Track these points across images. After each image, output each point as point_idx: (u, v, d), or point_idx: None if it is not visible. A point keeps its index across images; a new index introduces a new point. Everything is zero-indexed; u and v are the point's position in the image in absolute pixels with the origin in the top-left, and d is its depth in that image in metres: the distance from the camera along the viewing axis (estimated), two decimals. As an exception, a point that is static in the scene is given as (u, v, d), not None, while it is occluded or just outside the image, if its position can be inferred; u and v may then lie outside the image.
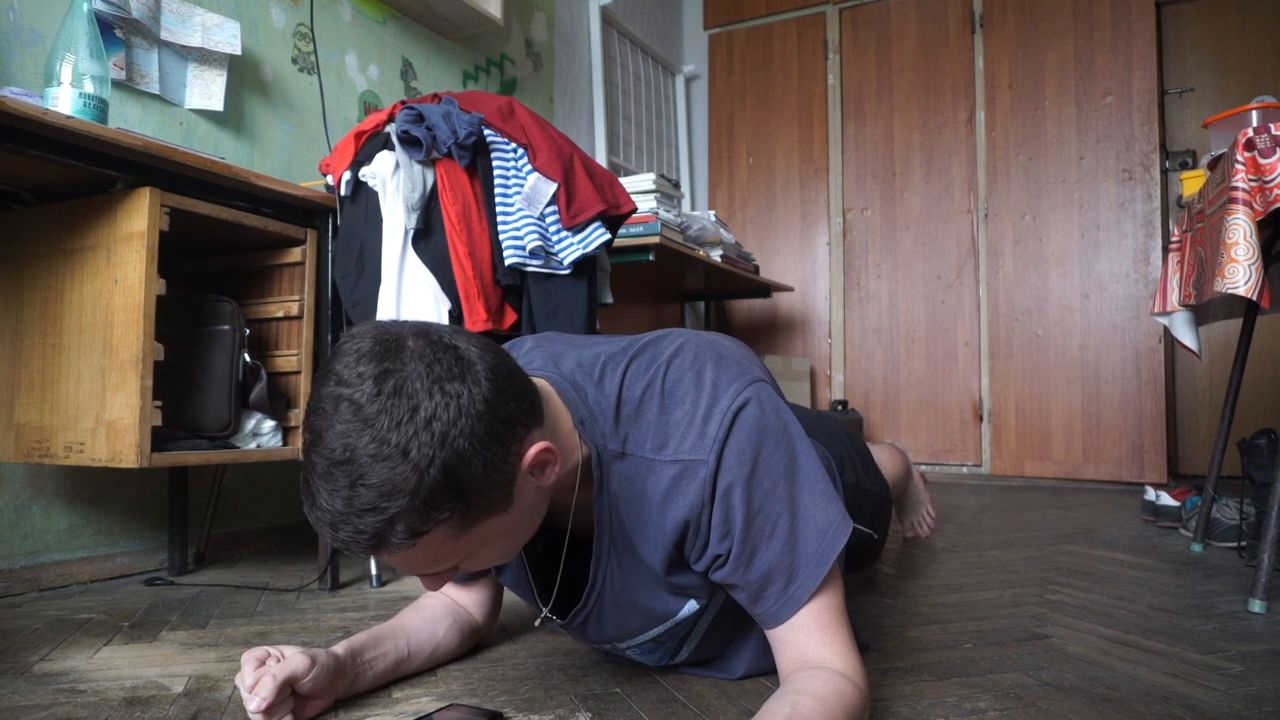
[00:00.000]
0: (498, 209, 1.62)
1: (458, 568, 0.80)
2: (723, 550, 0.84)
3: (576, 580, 0.99)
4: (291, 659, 0.88)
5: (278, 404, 1.61)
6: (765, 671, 1.06)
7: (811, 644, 0.85)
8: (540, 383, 0.86)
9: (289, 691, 0.88)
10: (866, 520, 1.40)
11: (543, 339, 0.99)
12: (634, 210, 1.83)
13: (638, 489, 0.86)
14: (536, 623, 1.03)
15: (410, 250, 1.58)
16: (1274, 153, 1.44)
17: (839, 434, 1.44)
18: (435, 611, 1.11)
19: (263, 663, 0.88)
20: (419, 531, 0.69)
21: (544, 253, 1.63)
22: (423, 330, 0.73)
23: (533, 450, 0.75)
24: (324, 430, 0.68)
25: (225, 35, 1.91)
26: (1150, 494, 2.40)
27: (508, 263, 1.60)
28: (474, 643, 1.17)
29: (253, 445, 1.55)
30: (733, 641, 1.04)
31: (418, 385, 0.68)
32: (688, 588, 0.91)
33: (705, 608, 0.95)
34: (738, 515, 0.82)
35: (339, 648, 0.96)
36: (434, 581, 0.80)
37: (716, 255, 2.86)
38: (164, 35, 1.81)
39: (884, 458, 1.88)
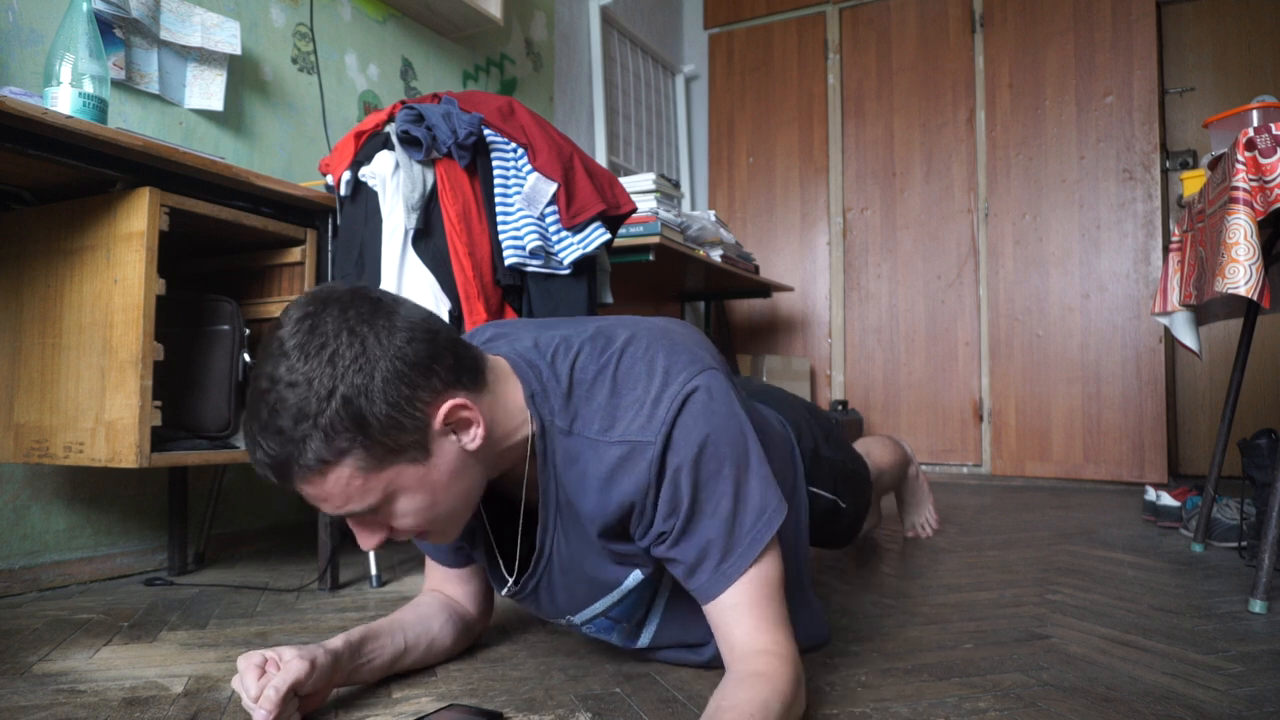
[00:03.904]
0: (498, 209, 1.62)
1: (390, 527, 0.85)
2: (667, 528, 0.88)
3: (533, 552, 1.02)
4: (291, 665, 0.88)
5: (277, 404, 1.61)
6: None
7: (744, 624, 0.88)
8: (496, 360, 0.91)
9: (292, 694, 0.88)
10: (829, 486, 1.40)
11: (504, 324, 1.04)
12: (634, 210, 1.83)
13: (579, 467, 0.89)
14: (502, 592, 1.06)
15: (410, 250, 1.58)
16: (1274, 152, 1.44)
17: (796, 404, 1.45)
18: (430, 607, 1.12)
19: (262, 669, 0.88)
20: (324, 459, 0.76)
21: (544, 253, 1.63)
22: (358, 289, 0.81)
23: (447, 404, 0.80)
24: (257, 365, 0.78)
25: (225, 35, 1.91)
26: (1151, 494, 2.39)
27: (508, 263, 1.60)
28: (470, 638, 1.17)
29: (252, 445, 1.55)
30: (700, 624, 1.05)
31: (329, 327, 0.76)
32: (629, 555, 0.94)
33: (651, 580, 0.98)
34: (684, 494, 0.86)
35: (337, 642, 0.96)
36: (365, 535, 0.85)
37: (716, 255, 2.86)
38: (164, 35, 1.81)
39: (874, 446, 1.89)
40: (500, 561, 1.04)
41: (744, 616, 0.88)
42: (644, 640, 1.07)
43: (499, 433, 0.88)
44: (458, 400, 0.81)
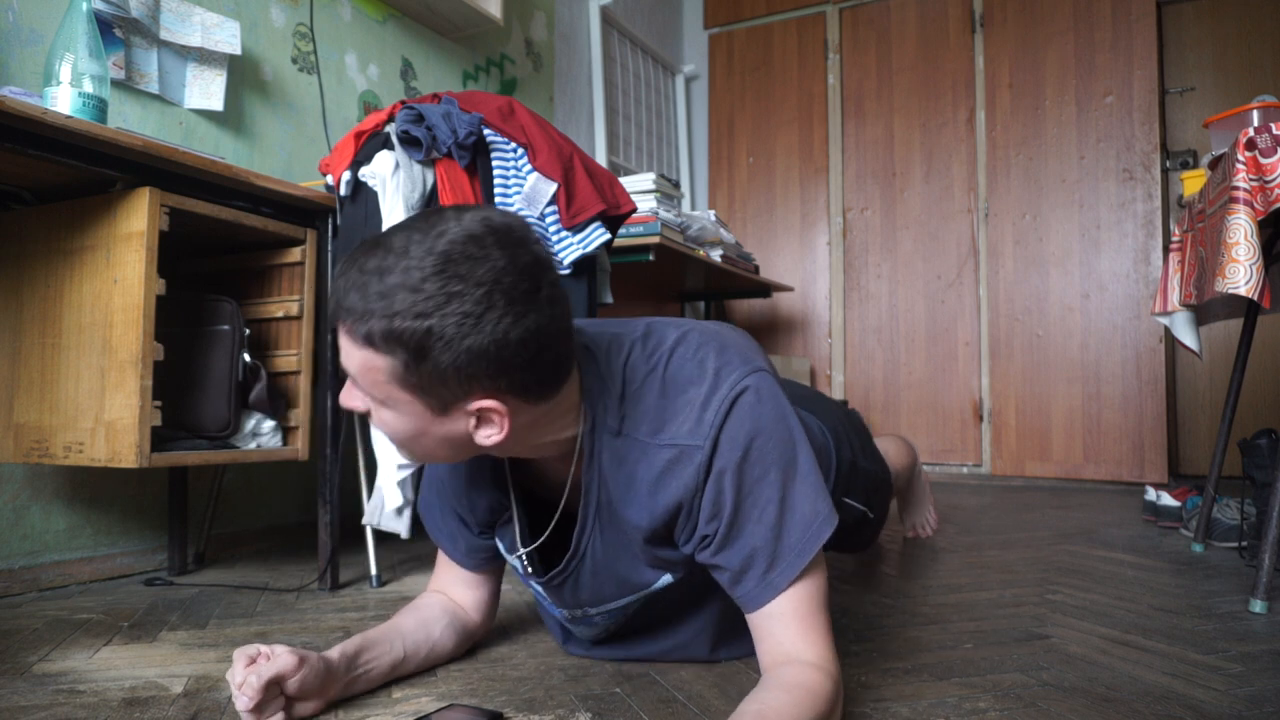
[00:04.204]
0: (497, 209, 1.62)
1: (367, 409, 0.84)
2: (710, 531, 0.86)
3: (563, 547, 1.01)
4: (280, 658, 0.88)
5: (277, 404, 1.61)
6: (691, 658, 1.11)
7: (788, 634, 0.86)
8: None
9: (277, 690, 0.88)
10: (862, 498, 1.41)
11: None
12: (634, 210, 1.83)
13: (628, 469, 0.88)
14: (527, 580, 1.06)
15: (410, 250, 1.58)
16: (1275, 152, 1.44)
17: (837, 411, 1.45)
18: (431, 612, 1.11)
19: (253, 660, 0.88)
20: (371, 340, 0.76)
21: (544, 252, 1.63)
22: (543, 260, 0.78)
23: (489, 401, 0.79)
24: (408, 225, 0.77)
25: (225, 35, 1.91)
26: (1151, 494, 2.39)
27: (508, 262, 1.60)
28: (469, 644, 1.17)
29: (252, 445, 1.55)
30: (671, 619, 1.07)
31: (481, 272, 0.74)
32: (668, 562, 0.94)
33: (678, 583, 0.97)
34: (728, 498, 0.85)
35: (332, 652, 0.96)
36: (349, 397, 0.84)
37: (716, 255, 2.86)
38: (163, 35, 1.81)
39: (890, 447, 1.88)
40: (523, 551, 1.02)
41: (790, 625, 0.86)
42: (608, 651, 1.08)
43: (531, 435, 0.87)
44: (498, 406, 0.79)
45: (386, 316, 0.74)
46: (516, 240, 0.77)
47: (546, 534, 1.01)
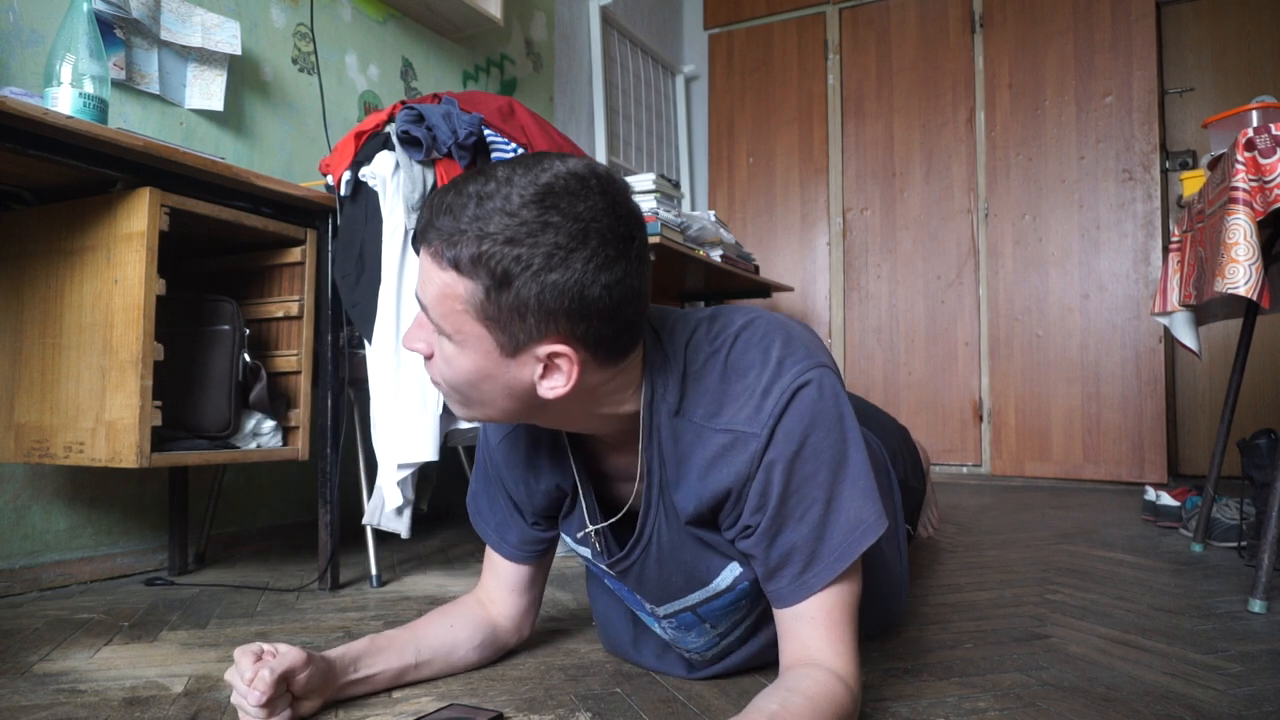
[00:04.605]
0: (498, 209, 1.62)
1: (431, 357, 0.82)
2: (753, 522, 0.84)
3: (628, 536, 0.97)
4: (288, 654, 0.88)
5: (278, 404, 1.61)
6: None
7: (814, 637, 0.85)
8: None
9: (285, 687, 0.88)
10: (909, 517, 1.42)
11: None
12: (634, 210, 1.83)
13: (682, 450, 0.86)
14: (571, 544, 1.03)
15: (410, 250, 1.58)
16: (1274, 153, 1.44)
17: (895, 430, 1.45)
18: (460, 620, 1.07)
19: (259, 657, 0.88)
20: (456, 264, 0.74)
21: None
22: (637, 213, 0.78)
23: (562, 346, 0.76)
24: (517, 162, 0.76)
25: (225, 35, 1.91)
26: (1150, 494, 2.40)
27: (508, 263, 1.60)
28: (497, 658, 1.13)
29: (253, 445, 1.55)
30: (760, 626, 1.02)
31: (580, 208, 0.73)
32: (722, 546, 0.91)
33: (750, 580, 0.93)
34: (775, 491, 0.82)
35: (333, 652, 0.95)
36: (413, 336, 0.82)
37: (716, 255, 2.86)
38: (164, 35, 1.81)
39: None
40: (591, 529, 0.99)
41: (818, 628, 0.84)
42: (730, 640, 1.02)
43: (593, 401, 0.84)
44: (569, 352, 0.76)
45: (477, 238, 0.72)
46: (619, 189, 0.77)
47: (621, 514, 0.97)
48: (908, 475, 1.38)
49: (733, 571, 0.92)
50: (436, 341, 0.80)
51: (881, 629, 1.24)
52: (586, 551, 1.02)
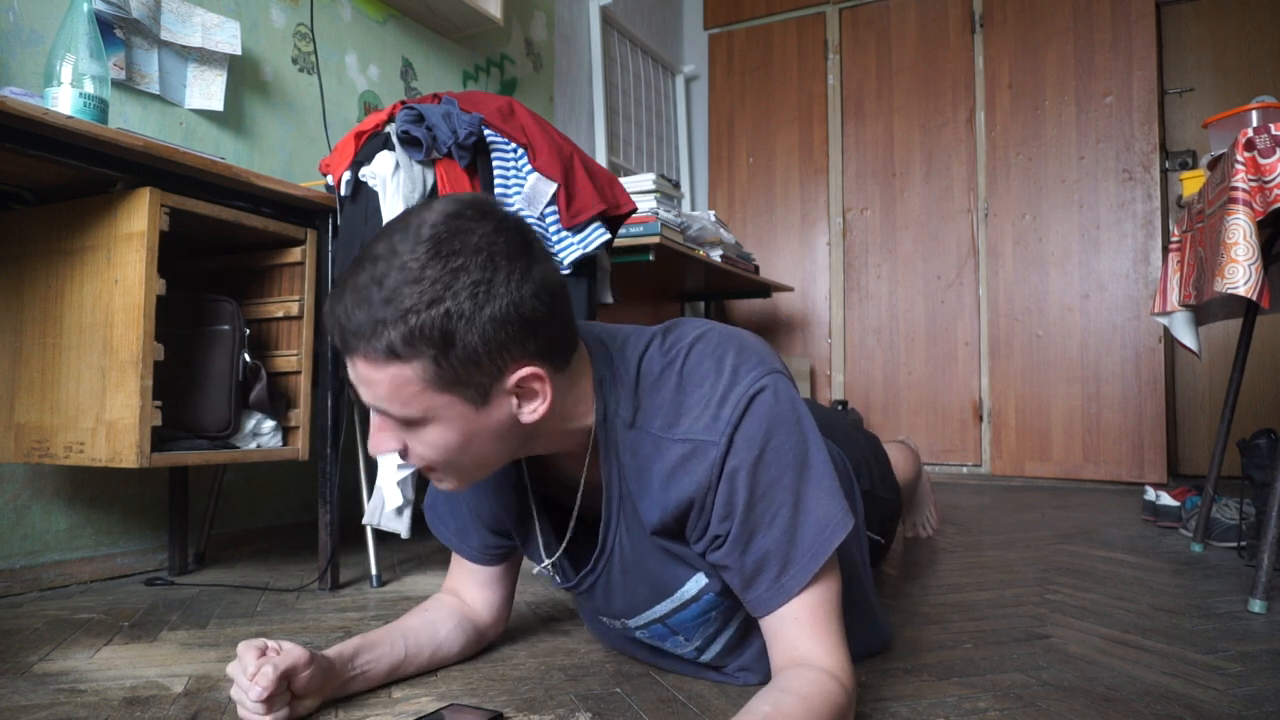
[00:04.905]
0: (498, 209, 1.62)
1: (407, 446, 0.81)
2: (722, 531, 0.85)
3: (590, 550, 0.98)
4: (291, 651, 0.88)
5: (278, 404, 1.61)
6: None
7: (802, 638, 0.85)
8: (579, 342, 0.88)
9: (285, 684, 0.88)
10: (876, 527, 1.40)
11: None
12: (634, 210, 1.83)
13: (640, 462, 0.87)
14: (535, 570, 1.03)
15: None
16: (1274, 153, 1.44)
17: (859, 439, 1.44)
18: (439, 612, 1.10)
19: (263, 653, 0.88)
20: (395, 352, 0.73)
21: (544, 253, 1.63)
22: (523, 222, 0.79)
23: (526, 369, 0.78)
24: (385, 232, 0.76)
25: (225, 35, 1.91)
26: (1150, 494, 2.40)
27: (508, 263, 1.60)
28: (481, 645, 1.15)
29: (253, 445, 1.55)
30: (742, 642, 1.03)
31: (475, 240, 0.74)
32: (685, 557, 0.91)
33: (716, 590, 0.93)
34: (740, 498, 0.83)
35: (330, 651, 0.96)
36: (381, 439, 0.81)
37: (716, 255, 2.86)
38: (164, 35, 1.81)
39: (898, 459, 1.87)
40: (543, 551, 1.01)
41: (803, 629, 0.85)
42: (707, 656, 1.02)
43: (560, 415, 0.86)
44: (538, 370, 0.78)
45: (400, 318, 0.72)
46: (492, 207, 0.78)
47: (568, 537, 0.99)
48: (875, 485, 1.37)
49: (698, 582, 0.93)
50: (406, 435, 0.80)
51: (869, 651, 1.16)
52: (548, 574, 1.03)
